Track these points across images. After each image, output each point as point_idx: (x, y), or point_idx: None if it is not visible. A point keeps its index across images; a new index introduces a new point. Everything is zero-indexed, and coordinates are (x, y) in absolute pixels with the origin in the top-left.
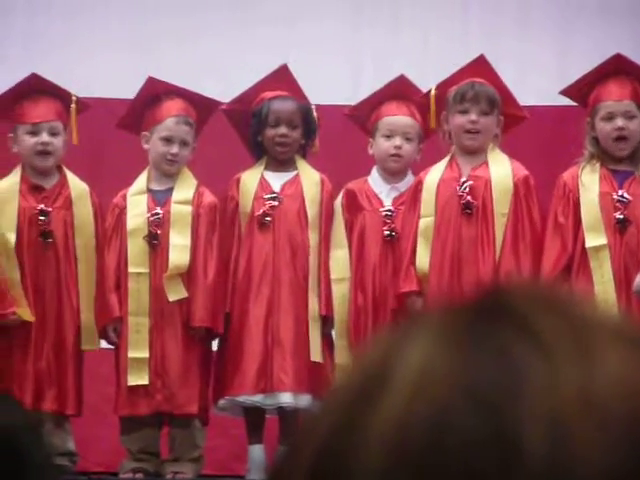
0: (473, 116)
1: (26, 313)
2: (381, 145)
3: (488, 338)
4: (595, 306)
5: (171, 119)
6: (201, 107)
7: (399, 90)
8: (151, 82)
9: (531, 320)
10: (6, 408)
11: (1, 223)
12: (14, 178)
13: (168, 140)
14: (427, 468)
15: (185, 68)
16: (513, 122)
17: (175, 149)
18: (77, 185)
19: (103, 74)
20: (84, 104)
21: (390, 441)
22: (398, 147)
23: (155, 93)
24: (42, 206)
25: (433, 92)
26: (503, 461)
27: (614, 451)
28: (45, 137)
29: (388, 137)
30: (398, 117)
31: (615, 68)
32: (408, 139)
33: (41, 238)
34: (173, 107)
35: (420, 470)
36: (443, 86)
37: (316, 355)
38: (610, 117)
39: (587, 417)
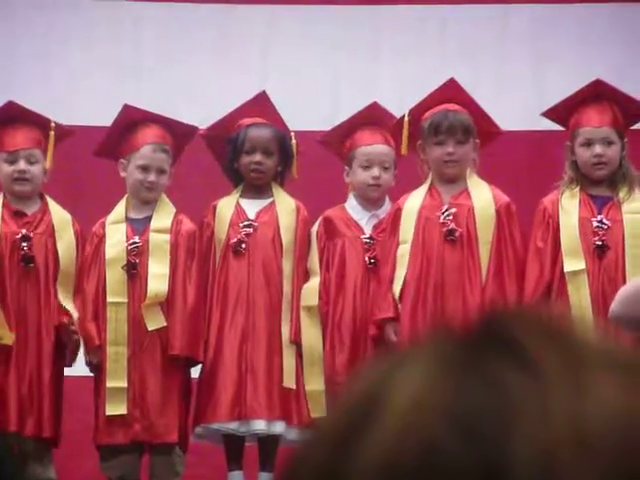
0: (450, 148)
1: (6, 335)
2: (359, 175)
3: (480, 367)
4: (590, 332)
5: (147, 147)
6: (178, 134)
7: (372, 117)
8: (127, 110)
9: (524, 349)
10: None
11: None
12: None
13: (145, 168)
14: None
15: (163, 94)
16: (489, 138)
17: (152, 177)
18: (59, 212)
19: (82, 101)
20: (63, 130)
21: (381, 470)
22: (377, 177)
23: (131, 120)
24: (24, 231)
25: (406, 118)
26: None
27: None
28: (22, 165)
29: (366, 167)
30: (374, 146)
31: (595, 93)
32: (385, 168)
33: (23, 263)
34: (149, 135)
35: None
36: (416, 111)
37: (289, 381)
38: (589, 143)
39: (577, 448)
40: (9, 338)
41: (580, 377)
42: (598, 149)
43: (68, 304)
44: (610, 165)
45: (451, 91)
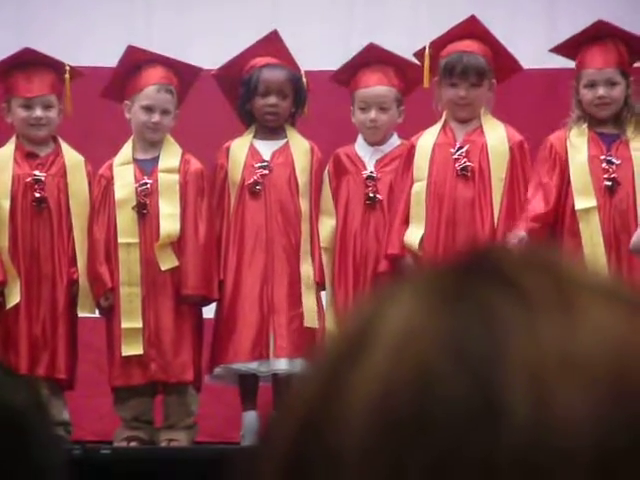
0: (462, 91)
1: (13, 292)
2: (358, 117)
3: (470, 296)
4: (580, 264)
5: (151, 87)
6: (182, 74)
7: (371, 57)
8: (131, 51)
9: (514, 278)
10: (9, 384)
11: None
12: (9, 147)
13: (149, 109)
14: (411, 426)
15: (174, 37)
16: (508, 74)
17: (156, 118)
18: (72, 155)
19: (91, 43)
20: (77, 72)
21: (373, 400)
22: (373, 120)
23: (136, 62)
24: (36, 172)
25: (427, 50)
26: (487, 419)
27: (596, 409)
28: (38, 112)
29: (363, 109)
30: (371, 88)
31: (598, 33)
32: (383, 109)
33: (35, 204)
34: (153, 75)
35: (403, 428)
36: (436, 44)
37: (311, 321)
38: (592, 84)
39: (569, 375)
40: (15, 297)
41: (569, 303)
42: (601, 91)
43: (79, 250)
44: (614, 105)
45: (471, 27)
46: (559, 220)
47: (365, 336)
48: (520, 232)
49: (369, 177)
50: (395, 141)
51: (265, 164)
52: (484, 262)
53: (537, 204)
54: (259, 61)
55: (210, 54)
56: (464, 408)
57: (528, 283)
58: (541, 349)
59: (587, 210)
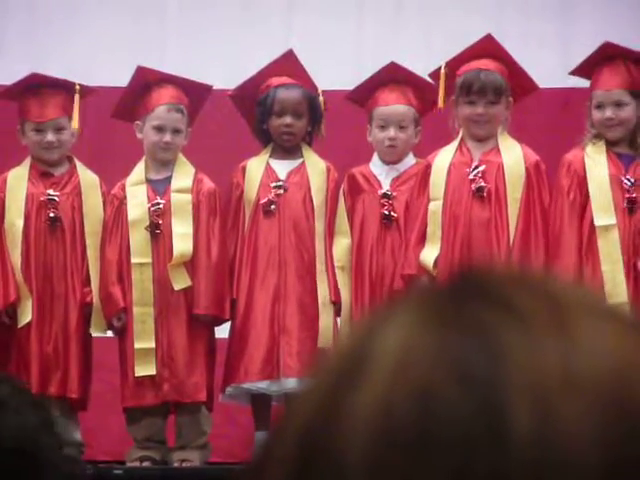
0: (480, 109)
1: (25, 311)
2: (376, 135)
3: (467, 316)
4: (574, 284)
5: (162, 107)
6: (193, 93)
7: (391, 76)
8: (141, 71)
9: (510, 297)
10: (21, 404)
11: (10, 209)
12: (24, 167)
13: (160, 129)
14: (414, 446)
15: (189, 59)
16: (524, 93)
17: (167, 137)
18: (87, 174)
19: (105, 65)
20: (88, 89)
21: (375, 421)
22: (392, 138)
23: (145, 82)
24: (50, 191)
25: (443, 70)
26: (491, 437)
27: (600, 427)
28: (50, 137)
29: (382, 127)
30: (390, 107)
31: (607, 55)
32: (402, 127)
33: (49, 223)
34: (163, 95)
35: (407, 449)
36: (452, 64)
37: (326, 341)
38: (600, 106)
39: (569, 392)
40: (27, 315)
41: (567, 323)
42: (608, 112)
43: (93, 269)
44: (624, 126)
45: (487, 46)
46: (579, 238)
47: (364, 356)
48: None
49: (385, 195)
50: (411, 160)
51: (280, 184)
52: (481, 283)
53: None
54: (274, 81)
55: (225, 75)
56: (469, 428)
57: (526, 304)
58: (542, 369)
59: (607, 227)
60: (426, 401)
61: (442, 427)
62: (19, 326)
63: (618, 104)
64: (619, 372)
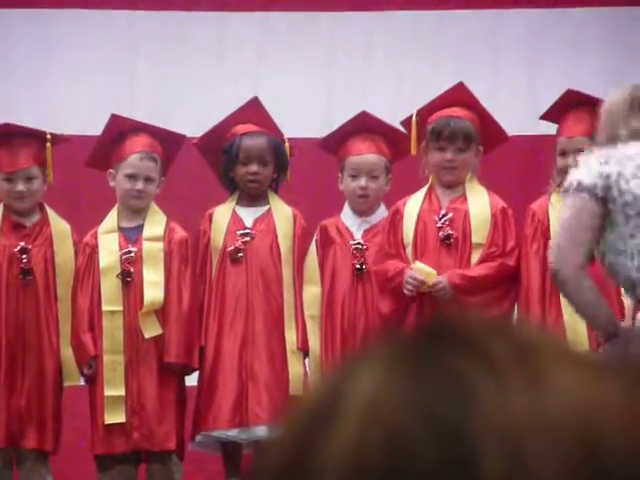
0: (449, 155)
1: None
2: (348, 185)
3: (437, 362)
4: (541, 330)
5: (135, 156)
6: (167, 142)
7: (362, 126)
8: (115, 120)
9: (480, 345)
10: None
11: None
12: None
13: (132, 177)
14: None
15: (158, 102)
16: (495, 143)
17: (140, 185)
18: (58, 223)
19: (76, 110)
20: (59, 138)
21: (346, 465)
22: (364, 188)
23: (119, 130)
24: (22, 244)
25: (414, 118)
26: (460, 479)
27: (567, 468)
28: (20, 186)
29: (354, 177)
30: (362, 156)
31: (570, 102)
32: (374, 177)
33: (21, 276)
34: (137, 143)
35: None
36: (423, 112)
37: (297, 388)
38: (564, 153)
39: (539, 439)
40: None
41: (532, 366)
42: (570, 159)
43: (63, 320)
44: None
45: (459, 94)
46: (542, 286)
47: (335, 401)
48: None
49: (357, 247)
50: (382, 212)
51: (247, 231)
52: (448, 329)
53: (537, 274)
54: (240, 129)
55: (193, 122)
56: (438, 471)
57: (492, 349)
58: (510, 413)
59: None
60: (396, 445)
61: (412, 470)
62: None
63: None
64: (585, 414)
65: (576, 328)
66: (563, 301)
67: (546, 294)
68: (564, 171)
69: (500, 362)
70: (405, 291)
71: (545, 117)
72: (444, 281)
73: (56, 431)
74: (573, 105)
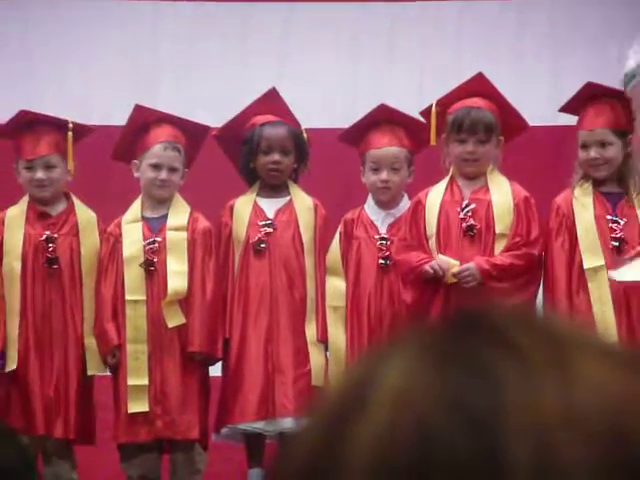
0: (470, 147)
1: (10, 358)
2: (369, 178)
3: (467, 354)
4: (571, 322)
5: (159, 145)
6: (190, 133)
7: (381, 118)
8: (139, 110)
9: (509, 336)
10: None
11: (7, 251)
12: (22, 206)
13: (156, 166)
14: (412, 475)
15: (179, 99)
16: (515, 133)
17: (163, 175)
18: (84, 212)
19: (100, 102)
20: (83, 128)
21: (374, 457)
22: (385, 181)
23: (144, 121)
24: (48, 233)
25: (434, 108)
26: (489, 473)
27: (597, 464)
28: (39, 174)
29: (375, 170)
30: (383, 150)
31: (590, 94)
32: (395, 169)
33: (47, 265)
34: (161, 134)
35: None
36: (443, 102)
37: (318, 380)
38: (585, 146)
39: (570, 432)
40: (13, 362)
41: (567, 364)
42: (593, 152)
43: (88, 309)
44: (610, 165)
45: (478, 85)
46: (568, 279)
47: (364, 393)
48: None
49: (382, 242)
50: (406, 204)
51: (269, 222)
52: (478, 321)
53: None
54: (259, 119)
55: (215, 114)
56: (467, 464)
57: (523, 342)
58: (541, 407)
59: (596, 269)
60: (425, 434)
61: (441, 464)
62: (6, 371)
63: (602, 144)
64: (617, 407)
65: (606, 320)
66: (593, 293)
67: (573, 288)
68: (587, 164)
69: (530, 354)
70: (428, 268)
71: (564, 109)
72: (472, 266)
73: (85, 421)
74: (593, 98)
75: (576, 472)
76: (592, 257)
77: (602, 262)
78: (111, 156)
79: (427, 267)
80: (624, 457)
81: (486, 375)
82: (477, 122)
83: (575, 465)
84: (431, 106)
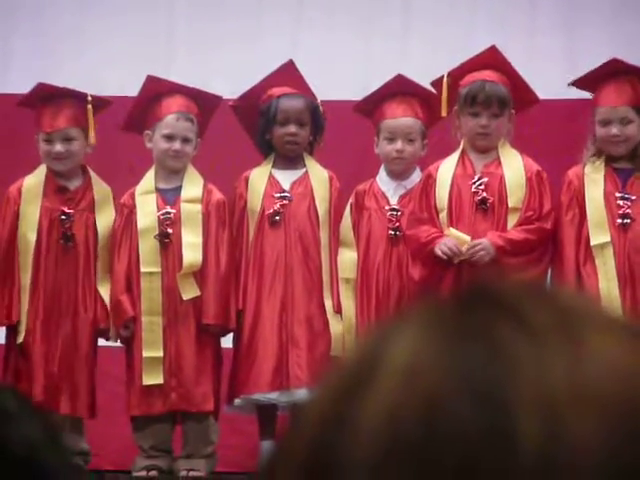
0: (484, 120)
1: (20, 333)
2: (384, 148)
3: (477, 328)
4: (582, 296)
5: (171, 116)
6: (202, 103)
7: (398, 89)
8: (151, 81)
9: (519, 310)
10: (25, 418)
11: (23, 222)
12: (39, 177)
13: (169, 137)
14: (420, 459)
15: (194, 72)
16: (526, 105)
17: (177, 145)
18: (101, 187)
19: (114, 73)
20: (102, 101)
21: (381, 432)
22: (400, 151)
23: (155, 92)
24: (65, 209)
25: (445, 79)
26: (498, 450)
27: (608, 439)
28: (58, 147)
29: (390, 140)
30: (398, 120)
31: (613, 70)
32: (410, 140)
33: (62, 240)
34: (173, 104)
35: (413, 461)
36: (455, 74)
37: (337, 350)
38: (606, 122)
39: (579, 406)
40: (21, 335)
41: (578, 337)
42: (615, 129)
43: (103, 285)
44: (629, 142)
45: (491, 58)
46: (577, 254)
47: (373, 365)
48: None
49: (393, 212)
50: (417, 176)
51: (285, 194)
52: (488, 295)
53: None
54: (276, 91)
55: (231, 85)
56: (476, 441)
57: (533, 316)
58: (551, 382)
59: (602, 245)
60: (433, 413)
61: (449, 440)
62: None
63: (623, 121)
64: (628, 383)
65: (611, 296)
66: (599, 269)
67: (580, 262)
68: (607, 140)
69: (541, 329)
70: (438, 252)
71: (579, 84)
72: (485, 242)
73: (90, 397)
74: (616, 74)
75: (586, 448)
76: (599, 234)
77: (608, 239)
78: (122, 127)
79: (439, 251)
80: (634, 432)
81: (496, 349)
82: (491, 96)
83: (585, 441)
84: (442, 77)
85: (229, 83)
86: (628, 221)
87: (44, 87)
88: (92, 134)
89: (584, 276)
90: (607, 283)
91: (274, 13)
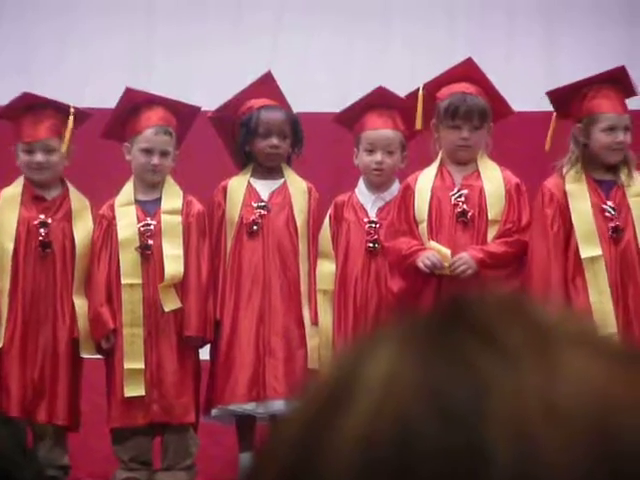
0: (465, 133)
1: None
2: (363, 159)
3: (451, 347)
4: (556, 312)
5: (150, 130)
6: (181, 114)
7: (379, 100)
8: (129, 93)
9: (493, 329)
10: None
11: (1, 231)
12: (17, 188)
13: (148, 151)
14: (395, 478)
15: (173, 79)
16: (501, 116)
17: (155, 160)
18: (78, 199)
19: (95, 84)
20: (83, 114)
21: (357, 451)
22: (379, 162)
23: (134, 103)
24: (42, 217)
25: (421, 92)
26: (470, 470)
27: (581, 458)
28: (39, 157)
29: (370, 152)
30: (378, 131)
31: (613, 78)
32: (390, 152)
33: (40, 248)
34: (152, 117)
35: (386, 476)
36: (431, 86)
37: (314, 362)
38: (611, 129)
39: (551, 425)
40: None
41: (547, 352)
42: (621, 136)
43: (79, 296)
44: (624, 150)
45: (467, 70)
46: (564, 268)
47: (347, 386)
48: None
49: (371, 224)
50: (396, 189)
51: (263, 204)
52: (464, 312)
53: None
54: (255, 102)
55: (210, 96)
56: (448, 462)
57: (506, 335)
58: (523, 401)
59: (593, 258)
60: (406, 429)
61: (422, 461)
62: None
63: (626, 129)
64: (601, 402)
65: (604, 310)
66: (590, 283)
67: (569, 277)
68: (609, 147)
69: (513, 348)
70: (421, 265)
71: (554, 93)
72: (466, 256)
73: (72, 406)
74: (614, 82)
75: (558, 467)
76: (589, 246)
77: (599, 252)
78: (101, 135)
79: (421, 264)
80: (606, 453)
81: (467, 367)
82: (473, 108)
83: (558, 459)
84: (417, 89)
85: (208, 93)
86: (621, 233)
87: (28, 97)
88: (65, 146)
89: (572, 291)
90: (599, 297)
91: (253, 25)
